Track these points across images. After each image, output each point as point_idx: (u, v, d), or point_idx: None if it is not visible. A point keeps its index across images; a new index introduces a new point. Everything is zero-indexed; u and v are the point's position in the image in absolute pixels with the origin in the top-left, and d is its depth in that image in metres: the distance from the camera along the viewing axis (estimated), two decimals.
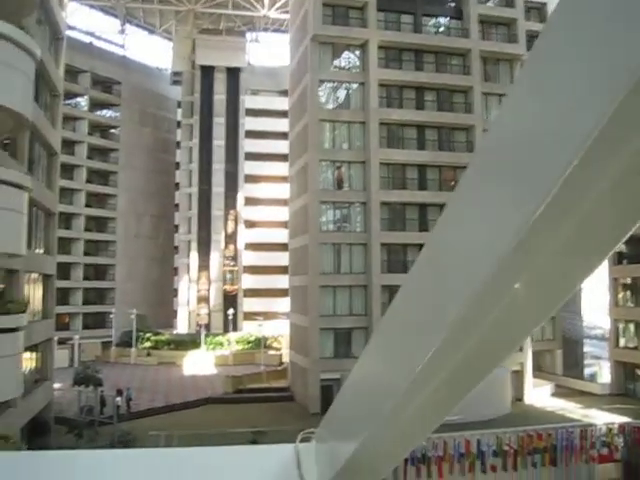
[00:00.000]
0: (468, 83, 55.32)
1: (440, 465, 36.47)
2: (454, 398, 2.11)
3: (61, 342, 65.38)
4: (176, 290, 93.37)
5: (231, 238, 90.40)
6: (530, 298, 1.51)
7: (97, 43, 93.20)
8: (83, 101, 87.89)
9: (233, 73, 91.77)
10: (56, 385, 44.42)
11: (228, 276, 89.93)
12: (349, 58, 57.68)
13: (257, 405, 52.16)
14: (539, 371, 59.55)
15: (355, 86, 56.00)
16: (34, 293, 35.48)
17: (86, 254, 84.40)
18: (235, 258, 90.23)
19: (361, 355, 2.52)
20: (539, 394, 54.22)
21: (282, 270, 75.68)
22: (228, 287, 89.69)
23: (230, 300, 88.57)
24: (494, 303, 1.52)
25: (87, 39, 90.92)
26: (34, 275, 34.60)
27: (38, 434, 36.12)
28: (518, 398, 51.32)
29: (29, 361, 31.00)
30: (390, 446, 2.57)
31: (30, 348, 28.16)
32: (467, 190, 1.68)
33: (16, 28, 18.48)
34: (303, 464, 3.07)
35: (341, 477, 2.76)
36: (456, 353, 1.70)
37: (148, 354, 78.44)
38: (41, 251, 36.49)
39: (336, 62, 57.77)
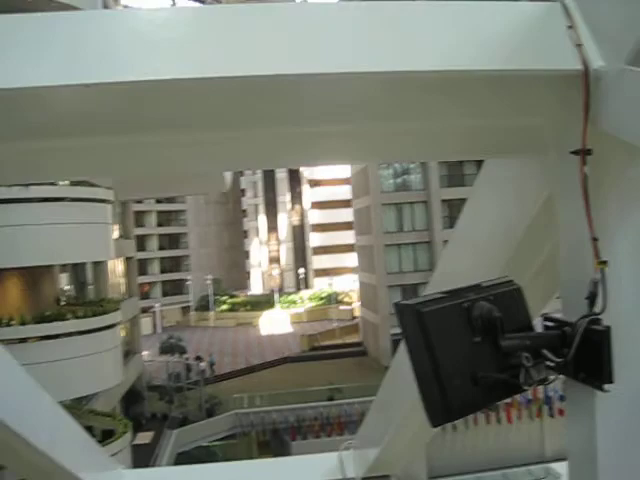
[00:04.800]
0: None
1: (508, 411, 38.28)
2: None
3: (144, 310, 68.56)
4: (247, 252, 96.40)
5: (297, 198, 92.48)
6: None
7: None
8: None
9: None
10: (144, 353, 47.15)
11: None
12: None
13: (332, 361, 54.17)
14: None
15: None
16: (117, 274, 38.23)
17: (159, 225, 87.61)
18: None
19: (380, 388, 3.80)
20: None
21: (348, 226, 77.21)
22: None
23: (300, 259, 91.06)
24: None
25: None
26: (118, 260, 37.28)
27: (133, 403, 39.06)
28: None
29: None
30: (403, 446, 3.78)
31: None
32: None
33: None
34: (345, 467, 4.70)
35: (372, 471, 4.25)
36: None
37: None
38: (121, 237, 39.10)
39: None
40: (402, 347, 3.18)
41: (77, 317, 20.96)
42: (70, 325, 20.54)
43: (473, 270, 2.44)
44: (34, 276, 22.68)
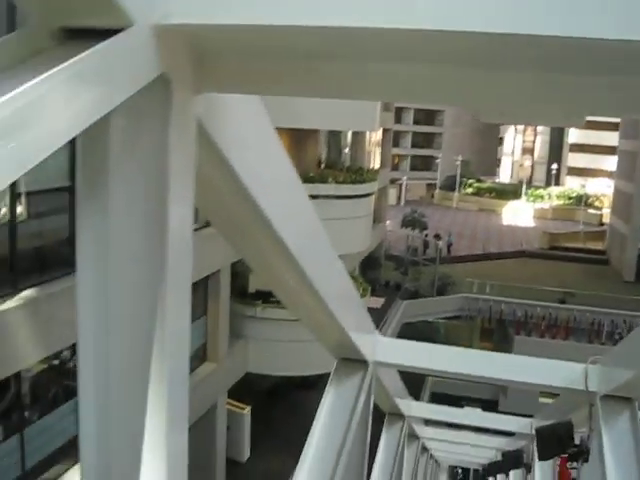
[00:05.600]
0: None
1: None
2: None
3: (391, 182, 70.26)
4: (501, 139, 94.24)
5: None
6: None
7: None
8: None
9: None
10: (387, 222, 48.74)
11: None
12: None
13: (570, 264, 52.65)
14: None
15: None
16: (372, 143, 39.28)
17: None
18: None
19: None
20: None
21: (613, 127, 72.56)
22: None
23: (555, 154, 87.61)
24: None
25: None
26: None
27: (370, 268, 40.96)
28: None
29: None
30: None
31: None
32: None
33: None
34: (589, 380, 4.44)
35: (617, 391, 4.19)
36: None
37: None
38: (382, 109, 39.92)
39: None
40: None
41: (337, 182, 22.44)
42: (331, 188, 22.06)
43: None
44: (301, 138, 24.15)
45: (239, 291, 21.08)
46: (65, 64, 1.25)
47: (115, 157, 1.61)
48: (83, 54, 1.28)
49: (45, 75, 1.22)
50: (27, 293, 10.45)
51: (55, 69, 1.23)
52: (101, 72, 1.33)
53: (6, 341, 9.88)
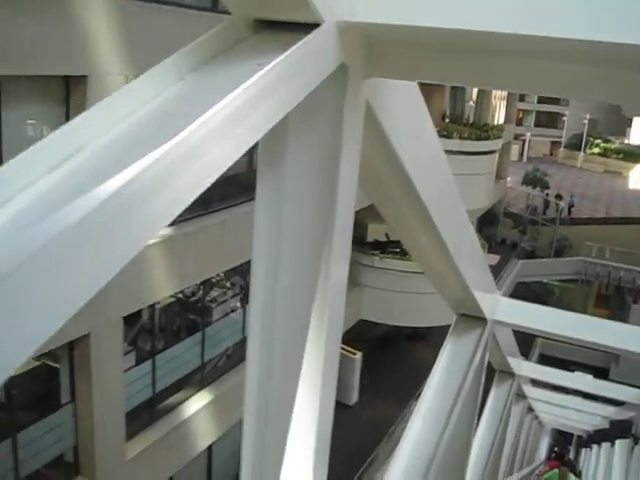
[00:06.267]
0: None
1: None
2: None
3: (514, 137, 68.24)
4: None
5: None
6: None
7: None
8: None
9: None
10: (507, 179, 47.50)
11: None
12: None
13: None
14: None
15: None
16: (497, 97, 38.38)
17: None
18: None
19: None
20: None
21: None
22: None
23: None
24: None
25: None
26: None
27: (487, 225, 40.31)
28: None
29: None
30: None
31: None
32: None
33: None
34: None
35: None
36: None
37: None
38: None
39: None
40: None
41: (462, 137, 22.26)
42: (455, 144, 21.87)
43: None
44: (428, 92, 23.90)
45: (357, 240, 21.43)
46: (279, 58, 1.45)
47: (293, 134, 1.87)
48: (290, 50, 1.48)
49: (256, 70, 1.39)
50: (164, 231, 11.07)
51: (268, 65, 1.42)
52: (301, 64, 1.54)
53: (145, 274, 10.59)
